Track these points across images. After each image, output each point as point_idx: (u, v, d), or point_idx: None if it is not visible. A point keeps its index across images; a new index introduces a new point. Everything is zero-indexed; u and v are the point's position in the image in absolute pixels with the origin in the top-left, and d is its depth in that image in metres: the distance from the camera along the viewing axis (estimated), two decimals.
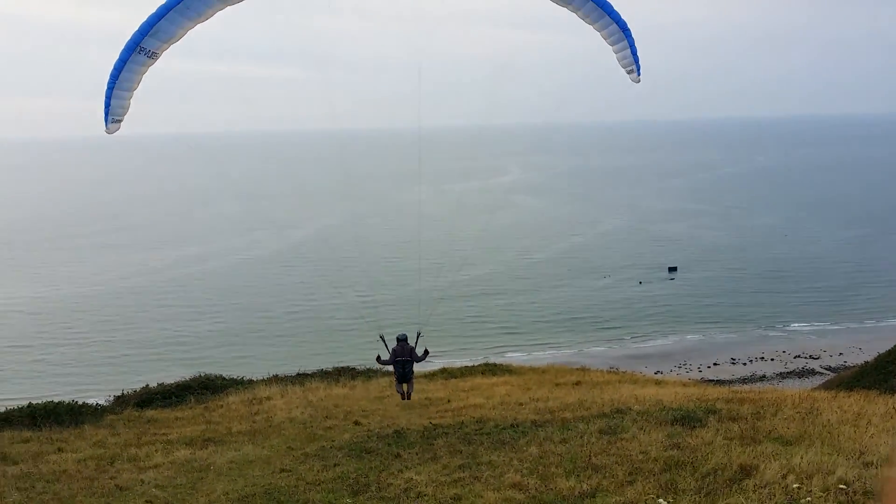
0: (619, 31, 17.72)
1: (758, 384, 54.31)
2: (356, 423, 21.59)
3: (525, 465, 13.95)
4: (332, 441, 18.78)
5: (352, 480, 14.25)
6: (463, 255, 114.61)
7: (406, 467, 14.94)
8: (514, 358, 58.18)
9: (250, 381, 32.23)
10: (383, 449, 17.09)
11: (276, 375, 33.41)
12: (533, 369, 33.32)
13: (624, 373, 33.55)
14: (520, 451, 15.25)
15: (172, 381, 31.91)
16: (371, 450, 17.16)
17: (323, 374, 32.85)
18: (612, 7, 17.53)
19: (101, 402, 30.48)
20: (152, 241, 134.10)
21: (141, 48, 16.51)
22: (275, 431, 21.09)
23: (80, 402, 27.47)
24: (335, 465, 15.72)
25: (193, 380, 31.93)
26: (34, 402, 26.83)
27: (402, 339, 20.62)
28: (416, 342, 20.42)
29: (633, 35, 17.80)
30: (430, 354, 20.33)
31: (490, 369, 33.36)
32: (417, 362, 21.03)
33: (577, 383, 27.82)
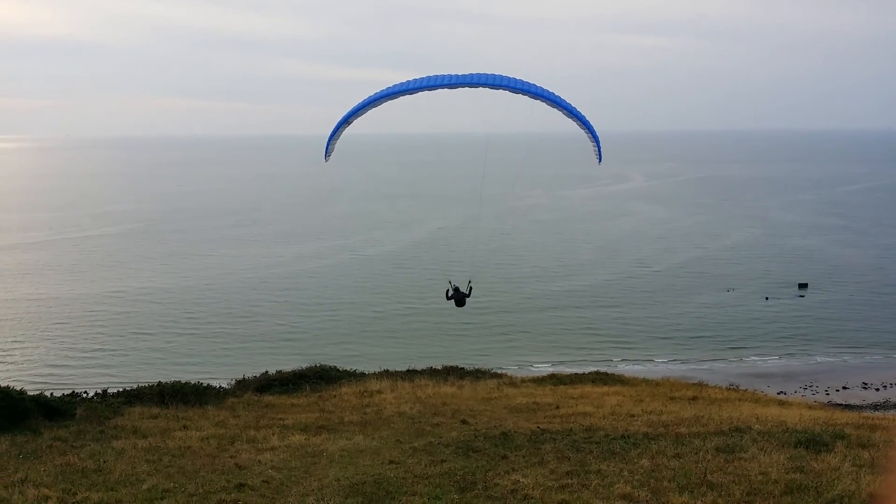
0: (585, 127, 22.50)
1: (892, 412, 50.44)
2: (463, 421, 21.68)
3: (636, 478, 13.55)
4: (440, 437, 18.93)
5: (459, 477, 14.30)
6: (578, 262, 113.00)
7: (513, 469, 14.85)
8: (625, 369, 56.63)
9: (362, 374, 32.99)
10: (490, 449, 17.06)
11: (387, 370, 34.11)
12: (646, 381, 32.31)
13: (744, 391, 31.97)
14: (630, 462, 14.83)
15: (289, 370, 33.15)
16: (478, 449, 17.16)
17: (432, 372, 33.23)
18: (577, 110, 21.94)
19: (224, 385, 31.98)
20: (275, 237, 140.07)
21: (355, 115, 22.53)
22: (384, 424, 21.50)
23: (204, 384, 29.05)
24: (442, 461, 15.84)
25: (309, 369, 33.09)
26: (163, 381, 28.52)
27: (457, 288, 26.07)
28: (468, 287, 25.83)
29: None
30: (473, 294, 26.56)
31: (601, 378, 32.66)
32: (468, 297, 26.15)
33: (694, 398, 26.79)
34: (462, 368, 34.68)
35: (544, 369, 54.34)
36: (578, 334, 76.39)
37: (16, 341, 75.47)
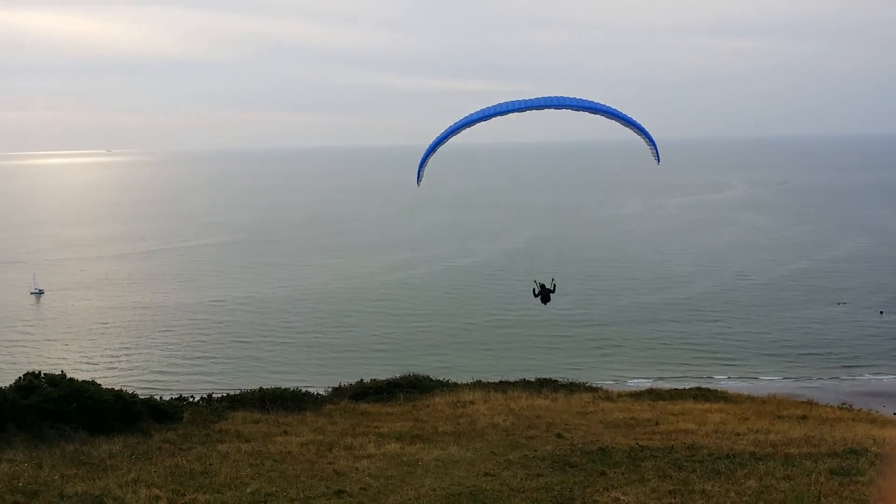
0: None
1: None
2: (559, 435, 21.31)
3: (743, 499, 12.94)
4: (535, 451, 18.67)
5: (556, 492, 14.03)
6: (675, 273, 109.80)
7: (612, 486, 14.46)
8: (728, 385, 54.45)
9: (455, 385, 32.98)
10: (587, 465, 16.69)
11: (479, 381, 34.00)
12: (751, 398, 30.92)
13: (858, 410, 30.09)
14: (737, 483, 14.18)
15: (383, 379, 33.55)
16: (575, 464, 16.82)
17: (525, 384, 32.87)
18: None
19: (321, 391, 32.64)
20: (369, 246, 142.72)
21: (440, 144, 23.71)
22: (478, 435, 21.39)
23: (302, 391, 29.76)
24: (538, 475, 15.60)
25: (403, 378, 33.36)
26: (264, 387, 29.40)
27: (542, 285, 27.28)
28: (552, 284, 27.15)
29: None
30: (555, 292, 27.90)
31: (702, 394, 31.46)
32: (552, 293, 27.43)
33: (804, 417, 25.43)
34: (556, 381, 34.16)
35: (641, 384, 52.93)
36: (677, 348, 74.10)
37: (125, 347, 79.73)
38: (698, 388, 33.58)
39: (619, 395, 31.45)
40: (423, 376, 33.80)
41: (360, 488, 14.87)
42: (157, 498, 13.17)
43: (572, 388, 32.64)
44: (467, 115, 22.92)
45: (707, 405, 28.36)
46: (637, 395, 31.09)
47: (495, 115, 22.17)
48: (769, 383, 61.46)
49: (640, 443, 19.51)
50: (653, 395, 31.35)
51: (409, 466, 16.87)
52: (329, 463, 17.20)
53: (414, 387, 31.88)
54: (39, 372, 21.50)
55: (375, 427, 22.82)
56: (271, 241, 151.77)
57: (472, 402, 27.57)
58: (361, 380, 33.58)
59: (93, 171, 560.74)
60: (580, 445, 19.23)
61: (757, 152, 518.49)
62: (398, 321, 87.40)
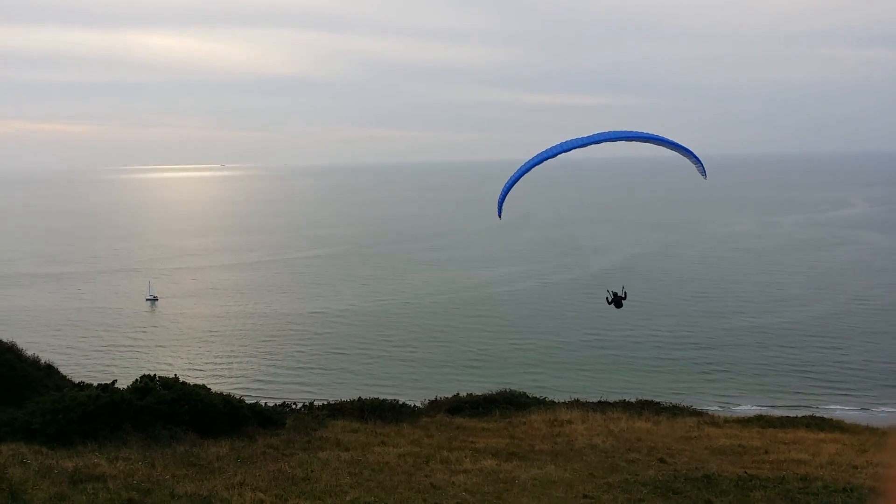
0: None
1: None
2: (661, 460, 20.59)
3: None
4: (636, 475, 18.11)
5: None
6: (787, 295, 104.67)
7: None
8: (844, 414, 51.26)
9: (552, 403, 32.49)
10: (692, 492, 16.05)
11: (577, 400, 33.34)
12: (870, 429, 28.96)
13: None
14: None
15: (480, 393, 33.45)
16: (678, 490, 16.21)
17: (625, 406, 31.98)
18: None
19: (417, 404, 32.87)
20: (467, 261, 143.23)
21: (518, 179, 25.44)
22: (576, 455, 20.96)
23: (400, 402, 30.06)
24: (640, 501, 15.12)
25: (499, 394, 33.15)
26: (363, 397, 29.88)
27: (615, 293, 28.40)
28: (623, 291, 28.15)
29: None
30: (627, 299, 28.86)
31: (816, 423, 29.68)
32: (624, 299, 28.40)
33: None
34: (658, 403, 33.08)
35: (749, 410, 50.62)
36: (788, 375, 70.50)
37: (230, 354, 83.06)
38: (811, 417, 31.74)
39: (726, 420, 30.11)
40: (520, 392, 33.49)
41: (457, 503, 14.82)
42: (262, 501, 13.56)
43: (675, 411, 31.51)
44: (535, 155, 25.10)
45: (821, 434, 26.76)
46: (745, 422, 29.68)
47: (559, 153, 24.28)
48: (890, 416, 57.50)
49: (749, 471, 18.61)
50: (762, 421, 29.84)
51: (505, 484, 16.70)
52: (426, 476, 17.25)
53: (510, 403, 31.61)
54: (154, 375, 22.63)
55: (471, 442, 22.73)
56: (373, 255, 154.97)
57: (569, 422, 27.04)
58: (458, 394, 33.61)
59: (208, 185, 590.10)
60: (684, 471, 18.51)
61: (881, 168, 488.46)
62: (494, 337, 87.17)
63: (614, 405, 31.91)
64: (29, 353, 37.99)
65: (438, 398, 33.25)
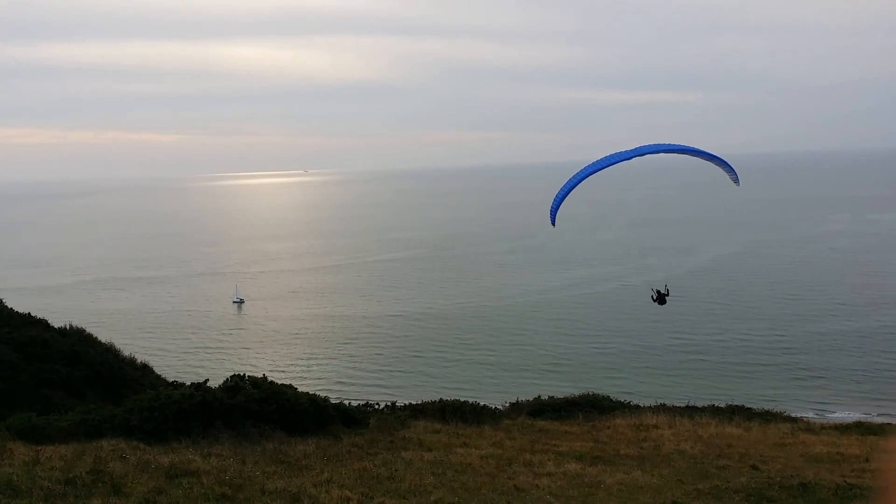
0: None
1: None
2: (753, 467, 19.83)
3: None
4: (727, 482, 17.50)
5: None
6: (886, 297, 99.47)
7: None
8: None
9: (636, 407, 31.83)
10: (787, 500, 15.40)
11: (664, 404, 32.54)
12: None
13: None
14: None
15: (561, 396, 33.10)
16: (772, 499, 15.58)
17: (714, 411, 30.98)
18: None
19: (498, 406, 32.78)
20: (547, 263, 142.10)
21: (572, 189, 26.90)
22: (664, 461, 20.42)
23: (480, 404, 30.03)
24: None
25: (582, 397, 32.70)
26: (444, 398, 30.00)
27: (658, 291, 30.87)
28: (665, 289, 30.74)
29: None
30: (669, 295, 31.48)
31: None
32: (667, 296, 31.04)
33: None
34: (749, 409, 31.93)
35: (847, 417, 48.31)
36: (890, 381, 66.93)
37: (313, 356, 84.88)
38: None
39: (822, 427, 28.79)
40: (603, 396, 32.94)
41: None
42: (348, 499, 13.74)
43: (768, 417, 30.35)
44: (586, 165, 27.01)
45: None
46: (843, 429, 28.28)
47: (603, 168, 25.97)
48: None
49: (849, 480, 17.70)
50: (861, 428, 28.37)
51: (590, 488, 16.42)
52: (509, 478, 17.14)
53: (593, 406, 31.12)
54: (244, 374, 23.31)
55: (554, 445, 22.47)
56: (450, 258, 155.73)
57: (655, 427, 26.38)
58: (539, 396, 33.36)
59: (291, 191, 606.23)
60: (778, 479, 17.76)
61: None
62: (574, 340, 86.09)
63: (703, 410, 30.97)
64: (125, 353, 39.83)
65: (519, 400, 33.09)
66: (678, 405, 32.34)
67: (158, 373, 40.15)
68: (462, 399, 30.74)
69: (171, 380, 35.00)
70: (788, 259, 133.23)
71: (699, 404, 33.07)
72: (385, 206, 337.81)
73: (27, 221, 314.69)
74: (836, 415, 54.83)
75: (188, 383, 22.98)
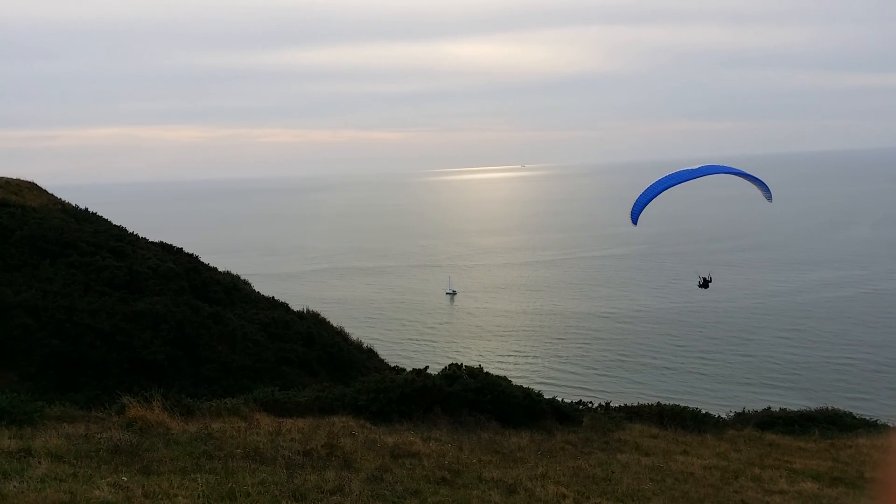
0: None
1: None
2: None
3: None
4: None
5: None
6: None
7: None
8: None
9: (885, 426, 28.53)
10: None
11: None
12: None
13: None
14: None
15: (795, 409, 30.57)
16: None
17: None
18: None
19: (722, 415, 30.94)
20: (781, 263, 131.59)
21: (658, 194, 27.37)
22: None
23: (703, 412, 28.47)
24: None
25: (819, 412, 30.01)
26: (662, 402, 28.82)
27: (704, 278, 32.79)
28: (710, 276, 32.66)
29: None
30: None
31: None
32: (710, 282, 32.88)
33: None
34: None
35: None
36: None
37: (519, 351, 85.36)
38: None
39: None
40: (845, 412, 29.91)
41: None
42: (564, 496, 13.55)
43: None
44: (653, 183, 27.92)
45: None
46: None
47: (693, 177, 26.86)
48: None
49: None
50: None
51: None
52: (735, 492, 16.02)
53: (832, 423, 28.36)
54: (461, 364, 23.99)
55: (787, 461, 20.69)
56: (672, 255, 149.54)
57: None
58: (769, 408, 31.06)
59: (509, 185, 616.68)
60: None
61: None
62: (808, 351, 78.88)
63: None
64: (354, 337, 42.72)
65: (746, 410, 31.02)
66: None
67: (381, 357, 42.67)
68: (682, 405, 29.42)
69: (393, 365, 37.02)
70: None
71: None
72: (605, 199, 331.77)
73: (273, 213, 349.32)
74: None
75: (409, 369, 24.12)
